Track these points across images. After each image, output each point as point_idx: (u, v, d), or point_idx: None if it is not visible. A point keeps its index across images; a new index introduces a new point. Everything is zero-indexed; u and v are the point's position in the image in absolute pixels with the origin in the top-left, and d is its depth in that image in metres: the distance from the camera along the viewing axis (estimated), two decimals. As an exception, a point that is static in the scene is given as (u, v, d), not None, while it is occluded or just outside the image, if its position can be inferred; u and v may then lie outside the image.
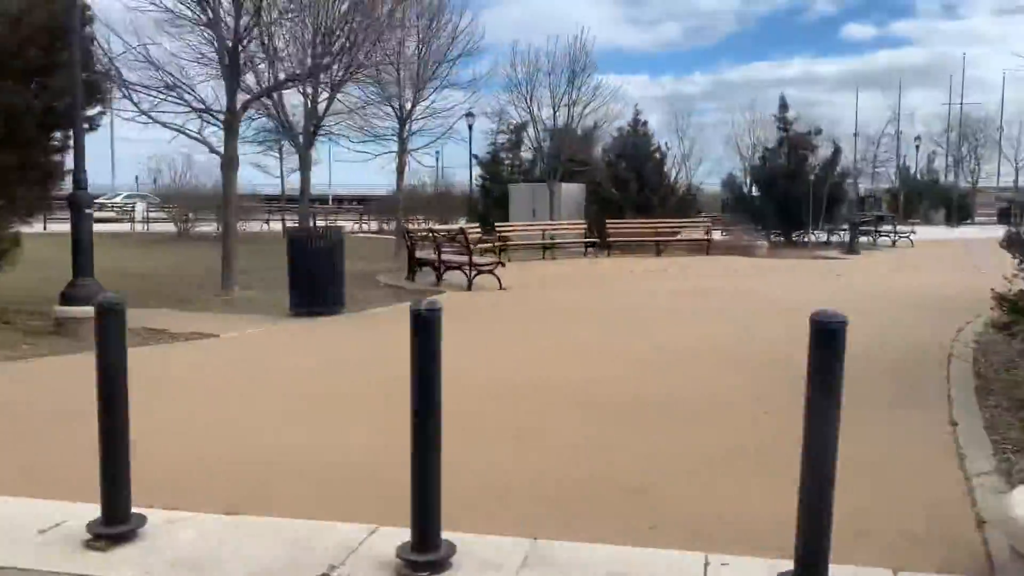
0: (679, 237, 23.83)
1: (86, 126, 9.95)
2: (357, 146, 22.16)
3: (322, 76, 13.99)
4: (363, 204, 41.05)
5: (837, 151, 28.01)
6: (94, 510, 3.52)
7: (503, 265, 13.31)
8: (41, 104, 9.37)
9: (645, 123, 31.14)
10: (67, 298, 9.19)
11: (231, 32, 12.28)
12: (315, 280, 10.29)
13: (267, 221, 33.96)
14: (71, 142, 9.95)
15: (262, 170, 22.11)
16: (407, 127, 23.39)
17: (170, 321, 9.98)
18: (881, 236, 27.04)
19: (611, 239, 23.31)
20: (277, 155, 30.75)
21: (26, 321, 9.62)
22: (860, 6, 59.86)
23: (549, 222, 24.72)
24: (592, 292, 13.64)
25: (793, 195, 27.22)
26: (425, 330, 3.00)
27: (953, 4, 64.86)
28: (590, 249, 22.91)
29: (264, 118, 16.94)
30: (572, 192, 28.99)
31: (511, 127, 33.39)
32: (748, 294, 13.42)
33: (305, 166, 17.11)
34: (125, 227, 32.81)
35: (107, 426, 3.50)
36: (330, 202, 54.25)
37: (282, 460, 4.66)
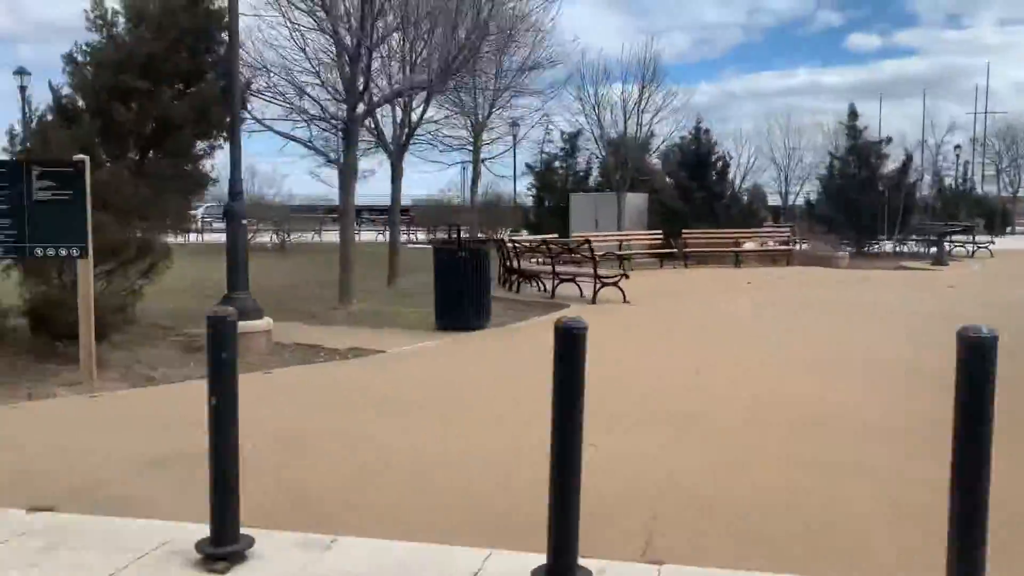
0: (755, 248, 23.32)
1: (225, 134, 9.62)
2: (431, 156, 21.86)
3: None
4: (405, 213, 40.67)
5: (909, 159, 27.46)
6: (198, 529, 3.37)
7: (627, 277, 12.84)
8: (192, 112, 9.02)
9: (707, 131, 30.71)
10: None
11: (355, 38, 11.93)
12: (462, 295, 9.88)
13: (319, 232, 33.81)
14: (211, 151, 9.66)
15: (318, 179, 21.83)
16: (481, 136, 23.12)
17: (316, 336, 9.61)
18: (957, 246, 26.40)
19: (688, 249, 22.83)
20: (335, 166, 30.41)
21: (176, 335, 9.28)
22: (864, 17, 59.55)
23: (622, 232, 24.24)
24: (717, 304, 13.15)
25: (865, 204, 26.68)
26: (573, 347, 2.92)
27: (957, 14, 64.56)
28: (666, 260, 22.44)
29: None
30: (636, 202, 28.55)
31: (565, 136, 32.95)
32: (873, 306, 12.92)
33: (396, 176, 16.74)
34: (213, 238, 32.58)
35: (217, 443, 3.29)
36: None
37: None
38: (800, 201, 34.60)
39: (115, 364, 7.62)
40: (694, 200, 28.93)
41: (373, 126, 15.73)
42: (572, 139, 32.58)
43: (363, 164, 18.46)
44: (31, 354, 7.86)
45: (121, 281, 8.53)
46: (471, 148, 22.91)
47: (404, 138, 16.18)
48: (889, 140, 28.10)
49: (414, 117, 16.14)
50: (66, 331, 7.82)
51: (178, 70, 9.17)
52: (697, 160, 29.74)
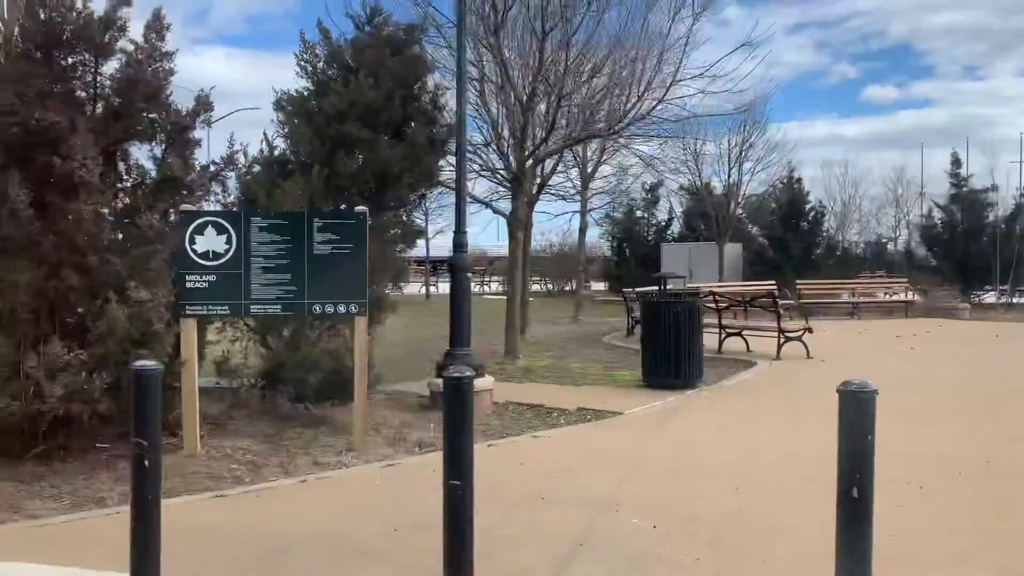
0: (875, 299, 22.56)
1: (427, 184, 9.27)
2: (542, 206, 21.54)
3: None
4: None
5: (1019, 208, 26.61)
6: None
7: (810, 331, 12.21)
8: (406, 162, 8.68)
9: (799, 180, 30.18)
10: (443, 370, 8.34)
11: (527, 88, 11.62)
12: (675, 351, 9.32)
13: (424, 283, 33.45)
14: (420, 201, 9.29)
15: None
16: (589, 186, 22.82)
17: (521, 393, 9.10)
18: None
19: (802, 300, 22.11)
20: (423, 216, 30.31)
21: (391, 394, 8.81)
22: (881, 68, 59.42)
23: (737, 283, 23.58)
24: (895, 359, 12.46)
25: (974, 253, 25.88)
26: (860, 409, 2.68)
27: (974, 66, 64.35)
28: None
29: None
30: (732, 252, 27.99)
31: (646, 185, 32.48)
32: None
33: (528, 227, 16.36)
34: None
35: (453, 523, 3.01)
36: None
37: None
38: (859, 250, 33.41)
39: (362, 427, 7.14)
40: (790, 249, 28.31)
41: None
42: (654, 188, 32.21)
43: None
44: (269, 417, 7.42)
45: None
46: (578, 198, 22.58)
47: (536, 189, 15.86)
48: (995, 188, 27.34)
49: (546, 168, 15.85)
50: (307, 393, 7.39)
51: (391, 119, 8.86)
52: (791, 209, 29.18)
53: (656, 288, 10.84)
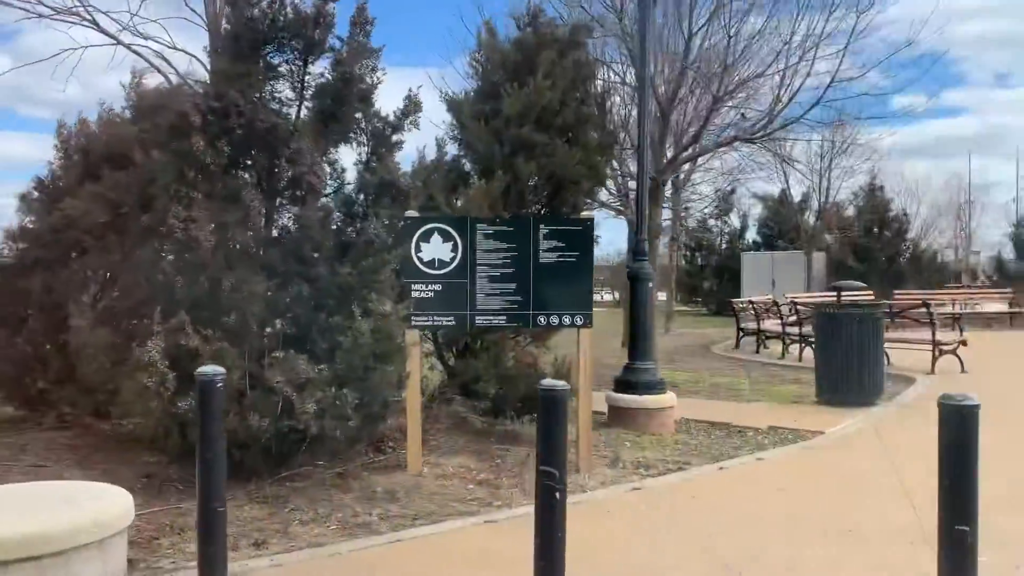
0: (980, 309, 21.77)
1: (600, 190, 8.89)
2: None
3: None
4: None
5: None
6: None
7: (965, 344, 11.63)
8: (582, 166, 8.31)
9: (882, 187, 29.43)
10: (624, 385, 7.96)
11: (669, 91, 11.22)
12: (855, 366, 8.83)
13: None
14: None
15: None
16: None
17: (698, 410, 8.67)
18: None
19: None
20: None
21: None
22: (911, 77, 58.01)
23: (823, 293, 22.91)
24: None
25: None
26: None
27: (1005, 73, 62.93)
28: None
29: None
30: (816, 261, 27.31)
31: (718, 192, 31.89)
32: None
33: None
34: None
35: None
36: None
37: None
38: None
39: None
40: (874, 259, 27.58)
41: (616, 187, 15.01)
42: (725, 197, 31.57)
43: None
44: (461, 432, 7.08)
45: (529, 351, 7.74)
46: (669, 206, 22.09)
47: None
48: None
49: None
50: (502, 407, 7.03)
51: (565, 122, 8.51)
52: (873, 217, 28.45)
53: (831, 299, 10.34)
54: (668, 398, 7.96)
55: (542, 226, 5.98)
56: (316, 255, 5.70)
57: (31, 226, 7.10)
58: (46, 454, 6.00)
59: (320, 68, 6.25)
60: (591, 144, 8.57)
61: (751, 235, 32.50)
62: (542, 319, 6.00)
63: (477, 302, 5.89)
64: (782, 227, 30.14)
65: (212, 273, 5.54)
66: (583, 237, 6.01)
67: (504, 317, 5.95)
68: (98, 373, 5.69)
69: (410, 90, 6.51)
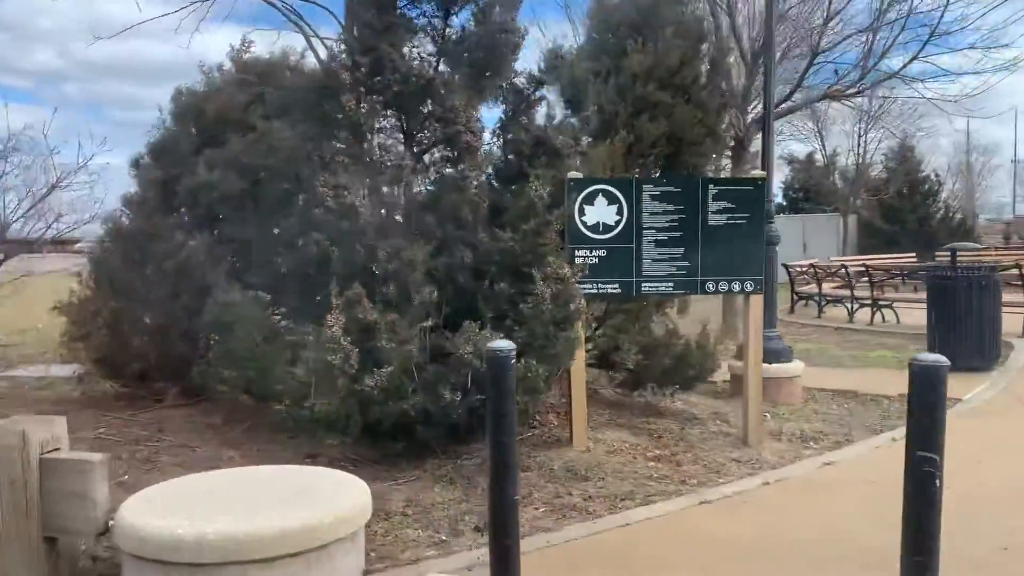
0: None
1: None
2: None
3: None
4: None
5: None
6: None
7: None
8: (702, 128, 7.94)
9: (912, 148, 29.01)
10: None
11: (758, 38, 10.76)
12: (974, 329, 8.54)
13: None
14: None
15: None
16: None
17: (813, 378, 8.38)
18: None
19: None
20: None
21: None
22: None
23: (866, 256, 22.60)
24: None
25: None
26: None
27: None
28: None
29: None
30: (850, 225, 26.98)
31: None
32: None
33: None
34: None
35: None
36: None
37: None
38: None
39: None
40: (905, 221, 27.27)
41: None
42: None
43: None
44: (598, 404, 6.77)
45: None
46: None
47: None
48: None
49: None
50: (646, 379, 6.72)
51: (683, 81, 8.12)
52: (906, 179, 28.07)
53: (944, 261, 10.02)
54: (796, 366, 7.67)
55: (711, 186, 5.62)
56: (473, 219, 5.35)
57: (149, 193, 6.71)
58: (188, 434, 5.67)
59: (460, 21, 5.89)
60: (710, 104, 8.20)
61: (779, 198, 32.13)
62: (711, 285, 5.66)
63: (643, 268, 5.55)
64: (808, 190, 29.78)
65: (367, 241, 5.19)
66: (754, 197, 5.66)
67: (671, 284, 5.61)
68: (248, 348, 5.34)
69: (553, 41, 6.12)
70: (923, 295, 12.88)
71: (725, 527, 4.14)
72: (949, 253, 9.75)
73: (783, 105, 11.00)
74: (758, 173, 5.78)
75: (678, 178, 5.95)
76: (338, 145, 5.23)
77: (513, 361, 2.99)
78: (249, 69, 7.38)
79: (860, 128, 25.62)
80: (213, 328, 5.57)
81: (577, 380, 5.50)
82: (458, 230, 5.30)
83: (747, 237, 5.63)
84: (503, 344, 2.99)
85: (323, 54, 6.80)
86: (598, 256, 5.51)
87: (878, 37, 10.86)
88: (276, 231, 5.93)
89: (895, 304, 14.02)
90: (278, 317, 5.26)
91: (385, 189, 5.19)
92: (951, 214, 28.73)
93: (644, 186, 5.58)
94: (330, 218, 5.18)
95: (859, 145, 26.12)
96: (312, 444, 5.29)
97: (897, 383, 8.05)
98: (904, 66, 11.30)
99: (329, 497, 3.33)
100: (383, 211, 5.22)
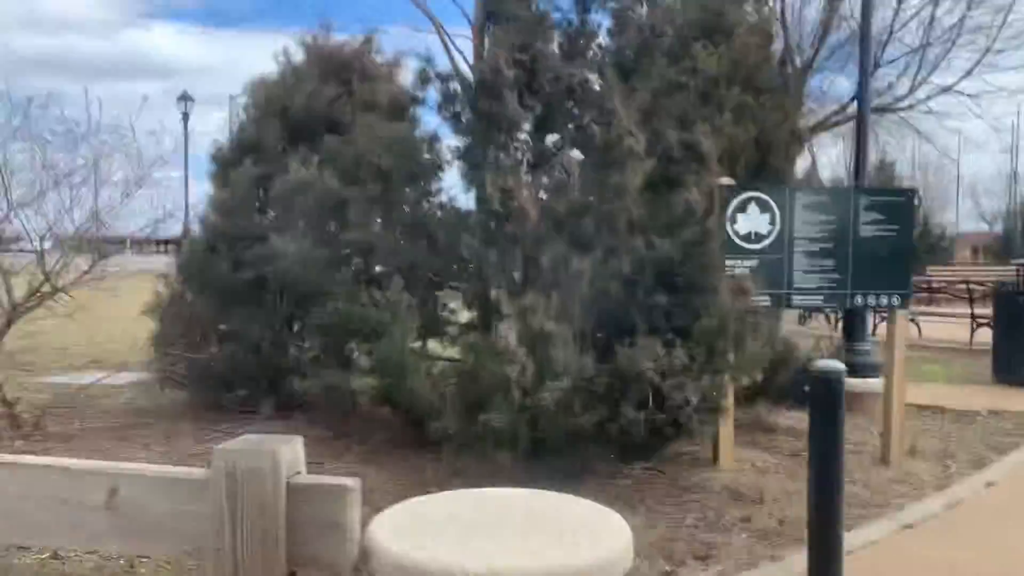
0: None
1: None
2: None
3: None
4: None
5: None
6: None
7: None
8: (785, 132, 7.80)
9: (892, 164, 29.56)
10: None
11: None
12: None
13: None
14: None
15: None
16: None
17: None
18: None
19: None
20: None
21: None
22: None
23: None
24: None
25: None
26: None
27: None
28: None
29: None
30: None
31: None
32: None
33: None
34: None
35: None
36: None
37: None
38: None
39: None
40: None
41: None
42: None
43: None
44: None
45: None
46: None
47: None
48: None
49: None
50: (770, 395, 6.52)
51: (763, 85, 7.98)
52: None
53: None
54: (881, 382, 7.56)
55: (863, 197, 5.46)
56: (629, 227, 5.10)
57: (230, 195, 6.31)
58: (309, 449, 5.29)
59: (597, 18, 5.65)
60: (791, 107, 8.07)
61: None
62: (859, 298, 5.50)
63: (794, 280, 5.36)
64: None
65: (529, 250, 4.91)
66: (904, 209, 5.52)
67: (821, 296, 5.44)
68: (390, 358, 5.00)
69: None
70: (939, 308, 13.05)
71: (941, 553, 3.95)
72: (1017, 268, 9.80)
73: (833, 117, 10.94)
74: (911, 186, 5.64)
75: (830, 188, 5.79)
76: (503, 146, 4.93)
77: (843, 383, 2.77)
78: (325, 61, 7.04)
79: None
80: (340, 336, 5.23)
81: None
82: (614, 238, 5.05)
83: (896, 249, 5.49)
84: (833, 365, 2.76)
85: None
86: (749, 267, 5.30)
87: (933, 52, 10.88)
88: (399, 232, 5.62)
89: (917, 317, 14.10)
90: (422, 326, 4.95)
91: (550, 194, 4.90)
92: (929, 227, 29.31)
93: (797, 194, 5.39)
94: (489, 221, 4.89)
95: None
96: (458, 461, 4.98)
97: (978, 398, 8.03)
98: (956, 82, 11.37)
99: (594, 532, 3.04)
100: (540, 216, 4.93)
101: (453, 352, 5.48)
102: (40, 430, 5.59)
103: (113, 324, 9.40)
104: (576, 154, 5.36)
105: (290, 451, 3.15)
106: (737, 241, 5.30)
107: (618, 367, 4.60)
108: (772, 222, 5.32)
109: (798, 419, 6.81)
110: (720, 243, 5.08)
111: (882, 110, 11.41)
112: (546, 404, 4.31)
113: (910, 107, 11.18)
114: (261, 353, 5.98)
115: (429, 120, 6.95)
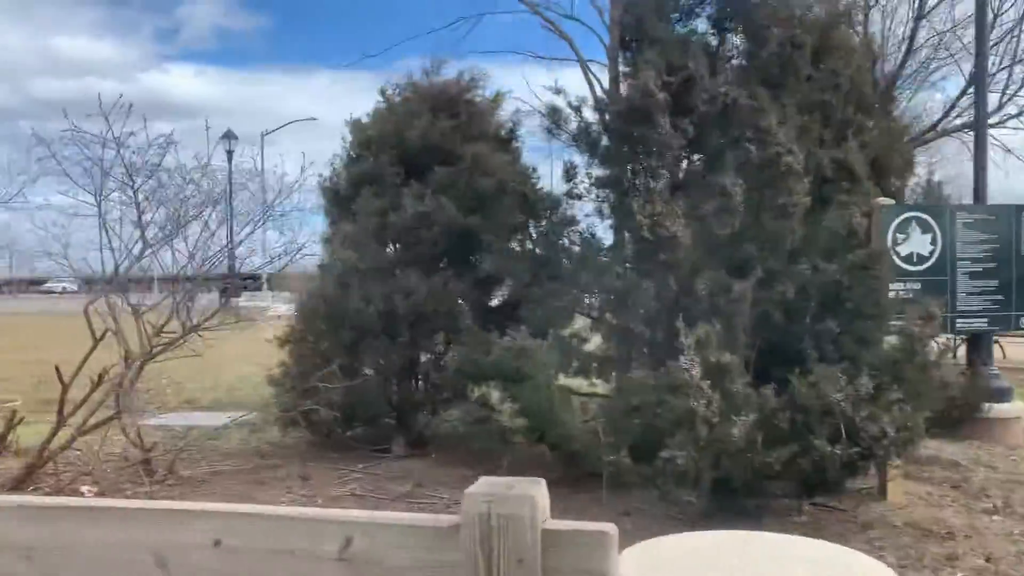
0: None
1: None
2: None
3: None
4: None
5: None
6: None
7: None
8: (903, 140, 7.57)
9: (940, 183, 29.05)
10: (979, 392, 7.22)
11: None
12: None
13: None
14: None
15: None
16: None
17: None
18: None
19: None
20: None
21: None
22: None
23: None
24: None
25: None
26: None
27: None
28: None
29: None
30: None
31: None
32: None
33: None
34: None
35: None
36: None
37: None
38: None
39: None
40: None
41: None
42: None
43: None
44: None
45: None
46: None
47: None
48: None
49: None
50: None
51: (865, 103, 7.77)
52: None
53: None
54: (1017, 407, 7.24)
55: (1024, 214, 5.23)
56: (791, 249, 4.90)
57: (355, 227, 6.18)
58: (454, 490, 5.11)
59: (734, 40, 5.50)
60: (897, 126, 7.85)
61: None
62: (1024, 320, 5.25)
63: (958, 302, 5.12)
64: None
65: (684, 277, 4.72)
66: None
67: (985, 319, 5.22)
68: (541, 396, 4.81)
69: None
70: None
71: None
72: None
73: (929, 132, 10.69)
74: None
75: (991, 206, 5.55)
76: (652, 171, 4.76)
77: None
78: (435, 97, 6.94)
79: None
80: (474, 379, 5.03)
81: (893, 425, 5.01)
82: (775, 261, 4.85)
83: (1062, 268, 5.24)
84: None
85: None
86: (912, 290, 5.07)
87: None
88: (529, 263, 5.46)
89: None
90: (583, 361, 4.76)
91: (709, 218, 4.72)
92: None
93: (958, 213, 5.17)
94: (644, 249, 4.71)
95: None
96: (623, 500, 4.75)
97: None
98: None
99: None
100: (703, 242, 4.74)
101: (588, 386, 5.30)
102: (172, 474, 5.43)
103: (215, 362, 9.29)
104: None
105: (541, 495, 2.96)
106: (899, 263, 5.08)
107: (799, 398, 4.37)
108: (933, 242, 5.11)
109: (932, 446, 6.54)
110: (887, 265, 4.87)
111: (964, 127, 11.12)
112: (735, 440, 4.08)
113: (999, 123, 10.92)
114: (391, 390, 5.81)
115: (534, 149, 6.89)
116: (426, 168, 6.34)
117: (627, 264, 4.81)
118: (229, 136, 32.12)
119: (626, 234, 5.08)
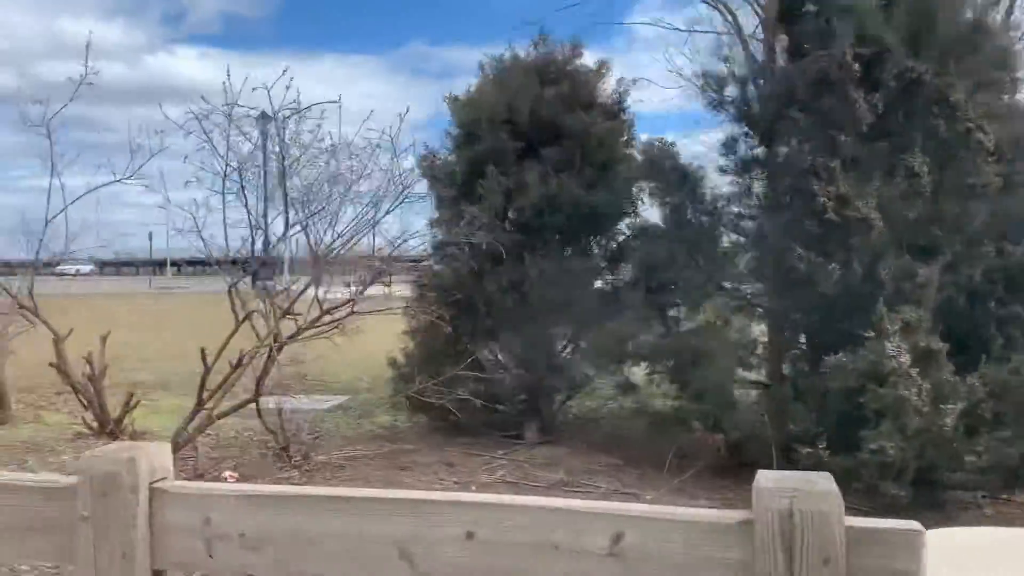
0: None
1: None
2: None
3: None
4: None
5: None
6: None
7: None
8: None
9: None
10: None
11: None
12: None
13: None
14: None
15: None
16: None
17: None
18: None
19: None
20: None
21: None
22: None
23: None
24: None
25: None
26: None
27: None
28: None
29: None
30: None
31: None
32: None
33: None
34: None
35: None
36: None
37: None
38: None
39: None
40: None
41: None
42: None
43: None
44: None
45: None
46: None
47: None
48: None
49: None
50: None
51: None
52: None
53: None
54: None
55: None
56: (982, 231, 4.65)
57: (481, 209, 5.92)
58: (609, 478, 4.92)
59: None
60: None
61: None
62: None
63: None
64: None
65: (866, 259, 4.48)
66: None
67: None
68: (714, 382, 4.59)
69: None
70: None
71: None
72: None
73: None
74: None
75: None
76: (836, 149, 4.50)
77: None
78: (541, 70, 6.65)
79: None
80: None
81: None
82: (960, 244, 4.60)
83: None
84: None
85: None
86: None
87: None
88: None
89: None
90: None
91: (898, 200, 4.46)
92: None
93: None
94: (825, 233, 4.48)
95: None
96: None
97: None
98: None
99: None
100: (893, 225, 4.48)
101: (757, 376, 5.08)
102: (308, 460, 5.24)
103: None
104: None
105: (836, 490, 2.73)
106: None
107: (995, 387, 4.14)
108: None
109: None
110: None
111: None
112: (946, 430, 3.86)
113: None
114: (525, 376, 5.60)
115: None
116: (539, 143, 6.08)
117: (800, 248, 4.53)
118: (264, 117, 32.14)
119: (793, 215, 4.81)
